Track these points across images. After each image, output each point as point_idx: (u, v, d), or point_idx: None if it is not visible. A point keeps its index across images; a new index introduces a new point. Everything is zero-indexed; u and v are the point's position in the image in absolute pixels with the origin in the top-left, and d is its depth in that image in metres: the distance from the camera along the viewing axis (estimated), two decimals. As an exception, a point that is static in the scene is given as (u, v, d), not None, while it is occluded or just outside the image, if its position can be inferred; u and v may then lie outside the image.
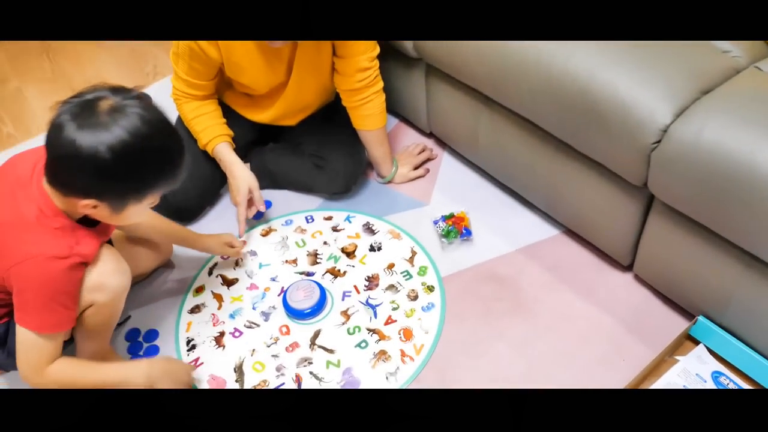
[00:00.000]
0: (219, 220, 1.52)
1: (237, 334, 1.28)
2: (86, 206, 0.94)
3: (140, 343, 1.28)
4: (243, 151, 1.50)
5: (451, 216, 1.46)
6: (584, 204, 1.27)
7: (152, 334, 1.30)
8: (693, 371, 1.14)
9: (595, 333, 1.22)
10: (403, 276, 1.36)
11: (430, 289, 1.33)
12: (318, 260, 1.41)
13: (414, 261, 1.39)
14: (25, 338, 0.99)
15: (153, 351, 1.27)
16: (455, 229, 1.43)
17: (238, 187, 1.40)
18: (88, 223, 1.02)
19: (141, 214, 1.02)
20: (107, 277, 1.05)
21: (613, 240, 1.27)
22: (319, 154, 1.48)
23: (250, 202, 1.42)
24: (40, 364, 1.00)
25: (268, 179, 1.53)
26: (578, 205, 1.29)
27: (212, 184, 1.51)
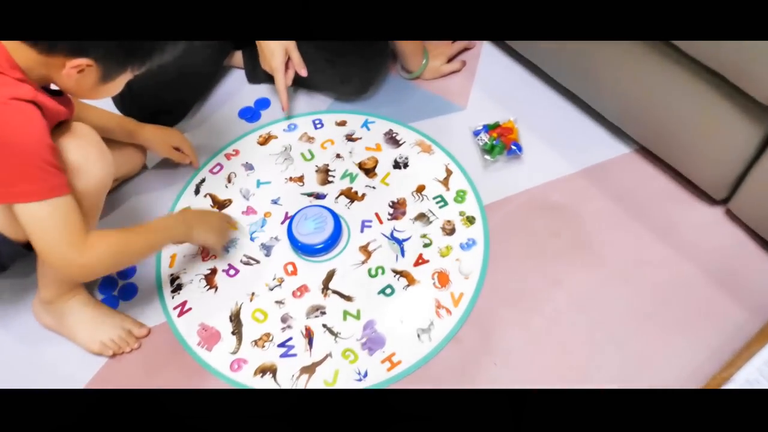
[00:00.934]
0: (207, 122, 1.24)
1: (232, 272, 1.04)
2: (72, 69, 0.73)
3: (113, 281, 1.04)
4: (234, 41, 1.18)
5: (496, 126, 1.17)
6: (678, 120, 0.98)
7: (128, 269, 1.06)
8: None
9: (675, 284, 0.99)
10: (437, 202, 1.10)
11: (470, 220, 1.07)
12: (330, 178, 1.14)
13: (449, 183, 1.12)
14: (36, 215, 0.75)
15: (130, 291, 1.03)
16: (501, 142, 1.14)
17: (272, 50, 1.10)
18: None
19: (119, 87, 0.81)
20: (91, 162, 0.82)
21: (710, 168, 0.99)
22: (330, 46, 1.15)
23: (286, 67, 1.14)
24: (75, 233, 0.77)
25: (264, 71, 1.21)
26: (668, 121, 1.00)
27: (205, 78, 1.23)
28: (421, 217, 1.08)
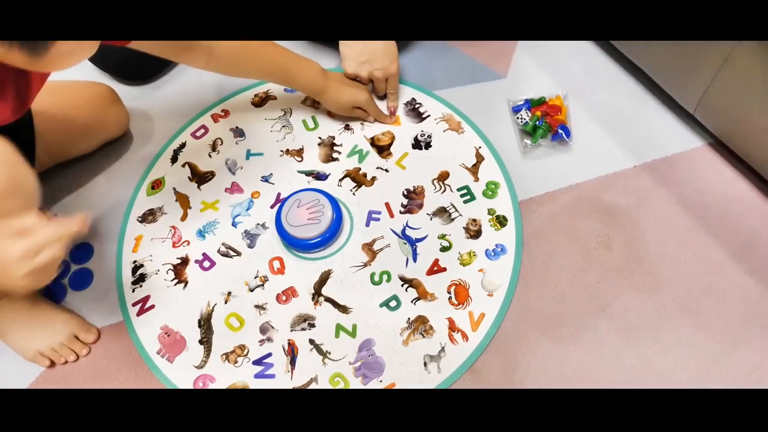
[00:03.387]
0: (192, 73, 1.04)
1: (207, 264, 0.86)
2: None
3: (65, 264, 0.87)
4: None
5: (542, 102, 0.95)
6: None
7: (84, 251, 0.88)
8: None
9: (752, 323, 0.79)
10: (461, 195, 0.90)
11: (501, 221, 0.87)
12: (335, 155, 0.94)
13: (479, 172, 0.91)
14: None
15: (82, 278, 0.86)
16: (546, 123, 0.93)
17: (389, 52, 0.92)
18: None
19: (80, 55, 0.56)
20: None
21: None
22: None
23: None
24: None
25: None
26: (758, 112, 0.78)
27: None
28: (441, 212, 0.88)
